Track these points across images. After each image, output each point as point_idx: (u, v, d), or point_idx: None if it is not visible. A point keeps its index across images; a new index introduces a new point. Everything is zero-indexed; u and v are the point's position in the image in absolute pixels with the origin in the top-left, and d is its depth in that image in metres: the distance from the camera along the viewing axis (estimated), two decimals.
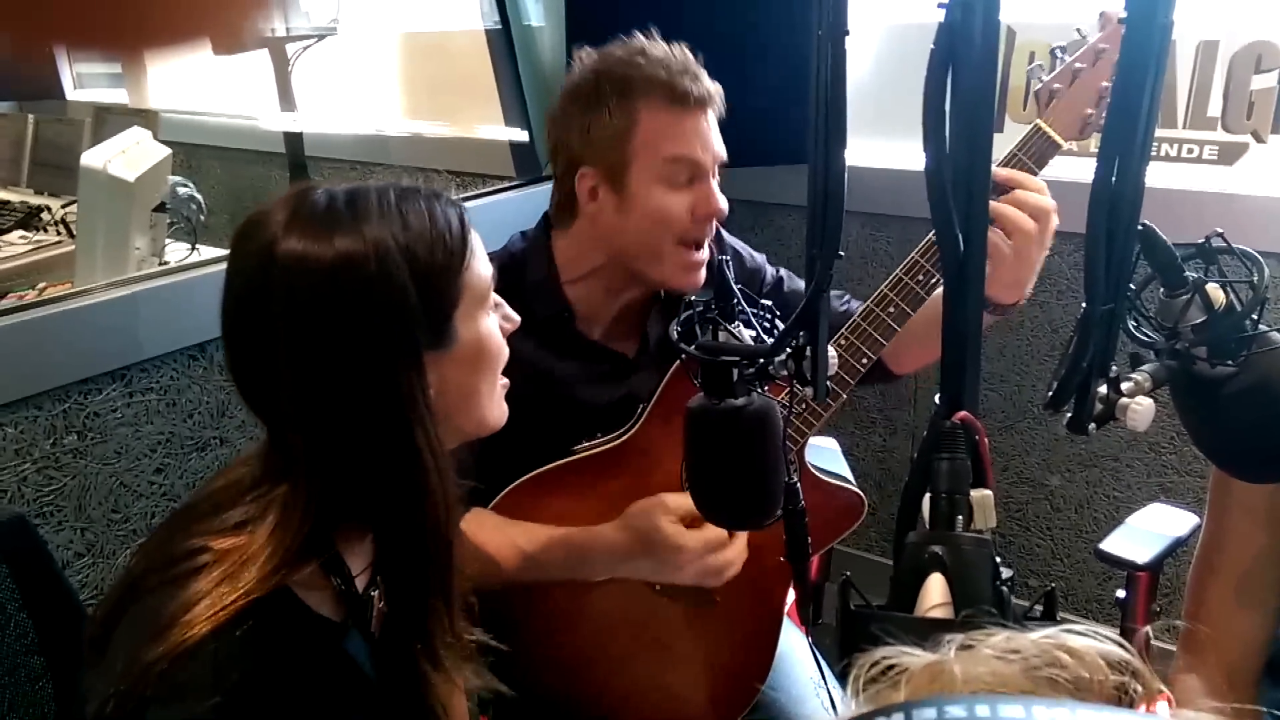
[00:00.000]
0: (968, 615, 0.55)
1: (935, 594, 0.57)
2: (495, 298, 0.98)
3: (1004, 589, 0.60)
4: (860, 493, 1.37)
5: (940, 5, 0.56)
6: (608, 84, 1.27)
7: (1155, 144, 1.92)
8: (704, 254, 1.31)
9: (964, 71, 0.56)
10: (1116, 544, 1.40)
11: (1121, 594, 1.42)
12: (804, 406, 1.24)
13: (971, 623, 0.49)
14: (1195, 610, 1.18)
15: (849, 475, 1.44)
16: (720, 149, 1.31)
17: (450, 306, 0.90)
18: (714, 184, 1.30)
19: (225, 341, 0.88)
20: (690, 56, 1.30)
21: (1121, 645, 0.43)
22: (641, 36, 1.31)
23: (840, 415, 2.42)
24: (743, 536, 1.25)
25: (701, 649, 1.37)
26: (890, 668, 0.43)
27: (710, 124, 1.30)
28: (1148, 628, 0.48)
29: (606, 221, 1.30)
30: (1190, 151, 1.90)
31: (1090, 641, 0.43)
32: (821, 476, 1.36)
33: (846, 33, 0.64)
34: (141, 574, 0.85)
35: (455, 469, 0.91)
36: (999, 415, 2.25)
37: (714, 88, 1.30)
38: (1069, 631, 0.43)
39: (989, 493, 0.62)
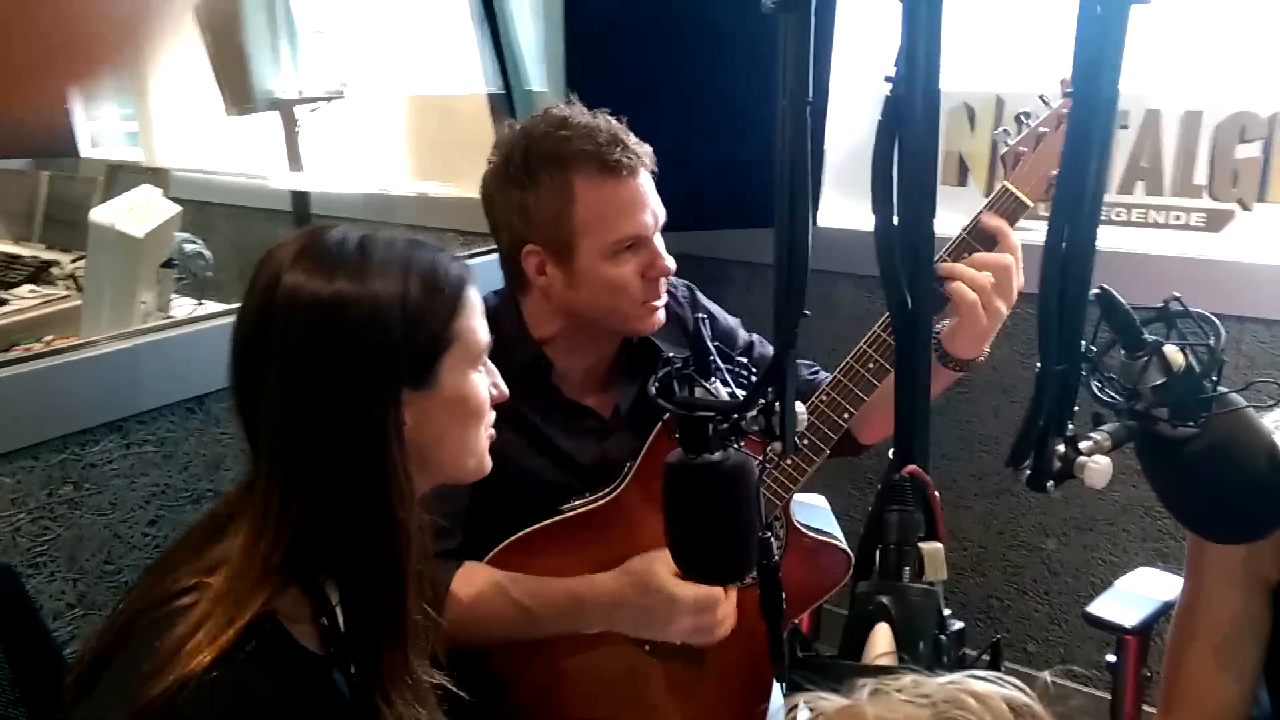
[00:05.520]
0: (877, 661, 0.56)
1: (881, 643, 0.59)
2: (490, 365, 1.03)
3: (943, 638, 0.61)
4: (847, 549, 1.37)
5: (886, 79, 0.59)
6: (538, 160, 1.27)
7: (1143, 210, 1.96)
8: (662, 297, 1.34)
9: (909, 141, 0.58)
10: (1104, 607, 1.40)
11: (1112, 659, 1.42)
12: (789, 463, 1.25)
13: (887, 669, 0.50)
14: (1174, 672, 1.17)
15: (838, 533, 1.45)
16: (659, 207, 1.32)
17: (438, 351, 0.95)
18: (658, 243, 1.31)
19: (230, 363, 0.93)
20: (614, 122, 1.29)
21: (1023, 691, 0.44)
22: (564, 107, 1.31)
23: (837, 476, 2.42)
24: (733, 598, 1.25)
25: (691, 712, 1.36)
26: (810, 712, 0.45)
27: (645, 185, 1.30)
28: (1047, 674, 0.49)
29: (559, 294, 1.32)
30: (1178, 218, 1.93)
31: (994, 687, 0.45)
32: (808, 534, 1.37)
33: (809, 102, 0.67)
34: (132, 617, 0.87)
35: (426, 511, 0.94)
36: (994, 478, 2.25)
37: (643, 149, 1.30)
38: (974, 677, 0.45)
39: (939, 545, 0.63)
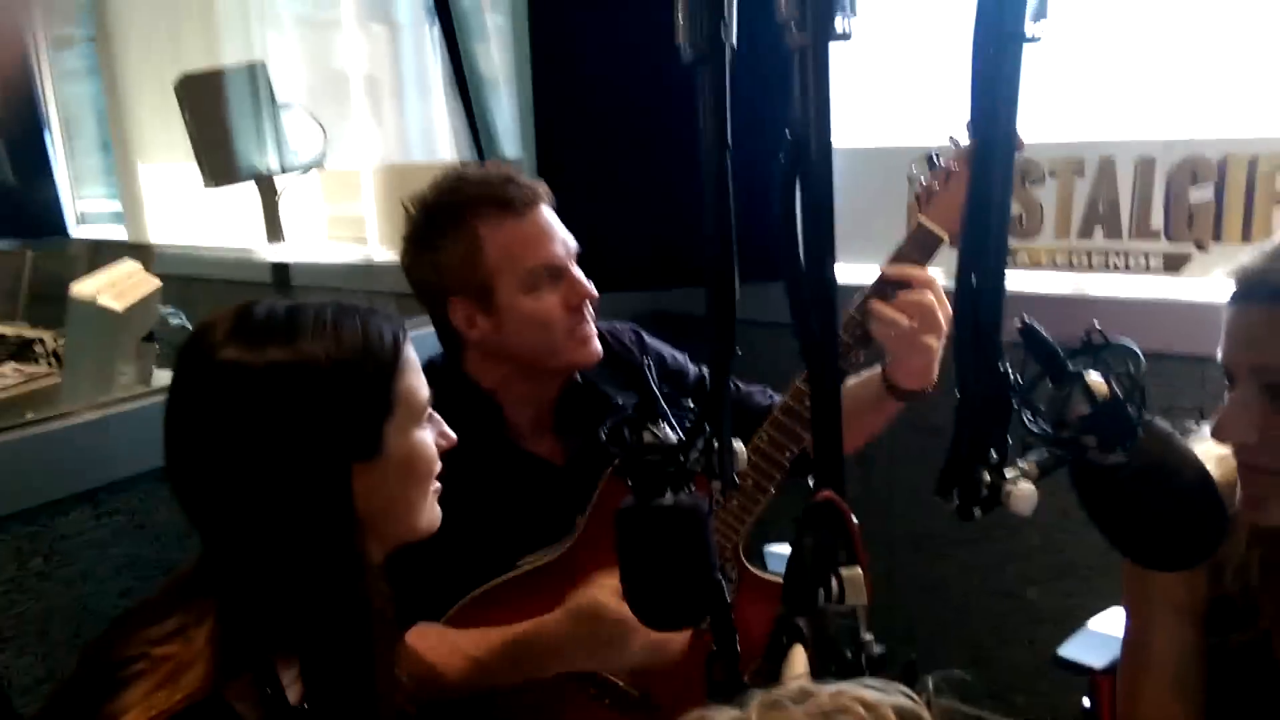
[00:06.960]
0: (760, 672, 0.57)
1: (797, 666, 0.60)
2: (433, 414, 1.02)
3: (852, 657, 0.61)
4: None
5: (789, 117, 0.62)
6: (438, 215, 1.32)
7: (1103, 255, 2.00)
8: (591, 325, 1.36)
9: (808, 182, 0.61)
10: (1074, 649, 1.39)
11: (1087, 703, 1.41)
12: (735, 503, 1.26)
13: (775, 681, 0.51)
14: (1130, 709, 1.16)
15: None
16: (568, 237, 1.35)
17: (380, 417, 0.94)
18: (576, 271, 1.34)
19: (166, 447, 0.91)
20: (505, 165, 1.36)
21: (911, 698, 0.46)
22: (458, 166, 1.39)
23: None
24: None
25: None
26: None
27: (548, 217, 1.34)
28: (931, 678, 0.50)
29: (492, 342, 1.35)
30: (1137, 261, 1.97)
31: (882, 695, 0.46)
32: (765, 577, 1.37)
33: (728, 147, 0.70)
34: (81, 677, 0.87)
35: (383, 581, 0.94)
36: (972, 527, 2.22)
37: (538, 184, 1.35)
38: (864, 685, 0.46)
39: (859, 570, 0.64)
